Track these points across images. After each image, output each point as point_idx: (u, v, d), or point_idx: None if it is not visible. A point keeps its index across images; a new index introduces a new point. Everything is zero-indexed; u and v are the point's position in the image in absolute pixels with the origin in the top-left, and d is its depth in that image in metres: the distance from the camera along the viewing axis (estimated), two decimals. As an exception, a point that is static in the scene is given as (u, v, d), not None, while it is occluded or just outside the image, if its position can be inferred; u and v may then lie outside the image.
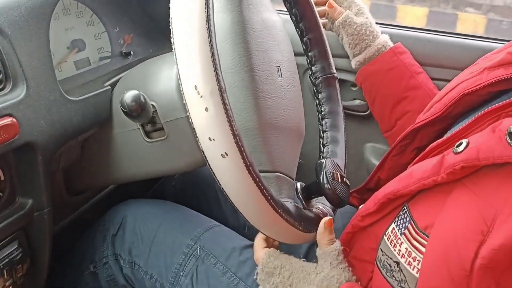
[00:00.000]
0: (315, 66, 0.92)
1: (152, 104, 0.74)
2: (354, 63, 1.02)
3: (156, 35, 0.97)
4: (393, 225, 0.67)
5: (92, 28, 0.88)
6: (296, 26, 0.89)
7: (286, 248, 0.73)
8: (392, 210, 0.69)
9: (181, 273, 0.80)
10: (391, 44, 0.99)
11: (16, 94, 0.63)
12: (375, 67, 0.98)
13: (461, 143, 0.58)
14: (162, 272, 0.82)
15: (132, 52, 0.92)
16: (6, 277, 0.69)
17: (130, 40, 0.94)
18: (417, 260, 0.61)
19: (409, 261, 0.62)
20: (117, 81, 0.83)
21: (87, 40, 0.85)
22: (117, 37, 0.92)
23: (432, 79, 1.02)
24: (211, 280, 0.79)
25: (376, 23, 1.02)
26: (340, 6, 1.00)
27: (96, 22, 0.88)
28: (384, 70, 0.97)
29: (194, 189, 1.07)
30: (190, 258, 0.81)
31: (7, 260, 0.68)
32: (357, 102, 1.17)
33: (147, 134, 0.78)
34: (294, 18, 0.88)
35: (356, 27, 0.94)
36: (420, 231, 0.61)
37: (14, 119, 0.61)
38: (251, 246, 0.84)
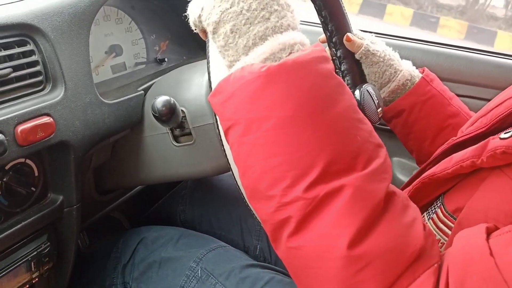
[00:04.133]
0: (347, 78, 0.91)
1: (181, 110, 0.76)
2: (385, 93, 0.95)
3: (190, 43, 0.99)
4: (424, 214, 0.67)
5: (130, 34, 0.91)
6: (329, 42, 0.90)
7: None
8: (426, 203, 0.68)
9: None
10: (415, 70, 0.95)
11: (55, 95, 0.66)
12: (410, 100, 0.92)
13: (509, 131, 0.56)
14: None
15: (166, 59, 0.95)
16: (33, 269, 0.72)
17: (165, 47, 0.97)
18: (441, 243, 0.60)
19: None
20: (150, 86, 0.85)
21: (124, 46, 0.89)
22: (153, 44, 0.95)
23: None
24: None
25: (381, 34, 0.97)
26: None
27: (134, 29, 0.92)
28: (420, 102, 0.92)
29: (205, 205, 1.08)
30: (192, 279, 0.82)
31: (35, 253, 0.71)
32: (385, 115, 1.16)
33: (176, 138, 0.81)
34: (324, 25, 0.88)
35: (380, 54, 0.89)
36: (448, 214, 0.60)
37: (51, 119, 0.64)
38: (255, 265, 0.85)
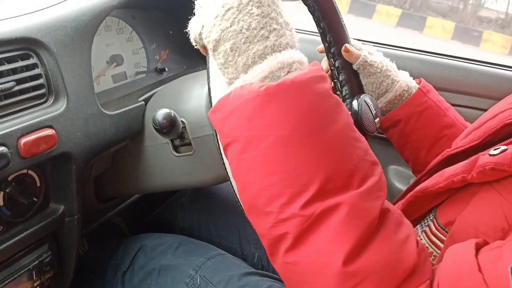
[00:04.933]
0: (344, 88, 0.92)
1: (182, 121, 0.77)
2: (382, 104, 0.96)
3: (190, 53, 1.00)
4: (417, 226, 0.68)
5: (130, 44, 0.92)
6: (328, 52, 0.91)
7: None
8: (419, 216, 0.69)
9: None
10: (412, 81, 0.96)
11: (57, 107, 0.67)
12: (406, 111, 0.94)
13: (499, 148, 0.58)
14: None
15: (166, 69, 0.96)
16: (35, 278, 0.73)
17: (165, 56, 0.98)
18: (433, 256, 0.62)
19: None
20: (151, 96, 0.86)
21: (125, 55, 0.90)
22: (154, 53, 0.96)
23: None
24: None
25: (379, 44, 0.98)
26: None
27: (135, 39, 0.93)
28: (417, 112, 0.93)
29: (204, 213, 1.09)
30: (191, 287, 0.83)
31: (36, 262, 0.72)
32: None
33: (176, 148, 0.82)
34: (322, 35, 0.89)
35: (377, 65, 0.89)
36: (441, 227, 0.62)
37: (53, 131, 0.65)
38: (253, 273, 0.86)
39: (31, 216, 0.70)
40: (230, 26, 0.52)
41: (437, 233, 0.63)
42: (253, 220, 0.53)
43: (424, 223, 0.68)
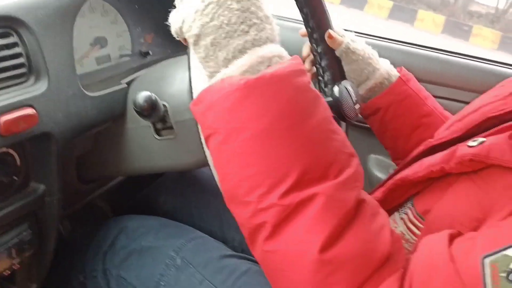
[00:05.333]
0: (326, 74, 0.92)
1: (163, 104, 0.78)
2: (363, 91, 0.97)
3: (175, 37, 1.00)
4: (395, 213, 0.70)
5: (115, 26, 0.92)
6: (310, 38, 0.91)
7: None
8: (398, 204, 0.71)
9: (161, 283, 0.84)
10: (393, 69, 0.97)
11: (38, 87, 0.67)
12: (386, 99, 0.95)
13: (477, 139, 0.60)
14: (144, 283, 0.85)
15: (150, 52, 0.96)
16: (14, 256, 0.73)
17: (150, 39, 0.99)
18: (410, 243, 0.64)
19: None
20: (134, 79, 0.86)
21: (109, 38, 0.90)
22: (139, 36, 0.96)
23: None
24: None
25: (361, 33, 0.99)
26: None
27: (120, 21, 0.93)
28: (396, 101, 0.95)
29: (186, 196, 1.10)
30: (171, 268, 0.85)
31: (16, 240, 0.72)
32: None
33: (158, 131, 0.82)
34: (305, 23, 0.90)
35: (359, 52, 0.90)
36: (418, 215, 0.64)
37: (34, 110, 0.65)
38: (233, 256, 0.87)
39: (11, 194, 0.71)
40: (210, 21, 0.52)
41: (415, 220, 0.65)
42: (233, 209, 0.54)
43: (402, 210, 0.70)
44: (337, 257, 0.47)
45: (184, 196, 1.09)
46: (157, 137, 0.82)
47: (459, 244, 0.47)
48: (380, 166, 1.21)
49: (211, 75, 0.54)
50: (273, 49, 0.53)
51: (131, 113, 0.84)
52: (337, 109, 0.81)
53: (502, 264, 0.42)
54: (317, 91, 0.54)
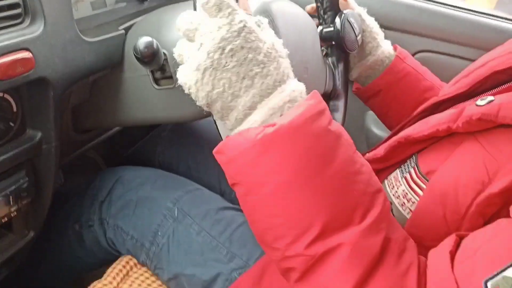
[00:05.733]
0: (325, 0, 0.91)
1: (163, 52, 0.76)
2: (363, 68, 0.96)
3: (174, -17, 0.97)
4: (397, 171, 0.70)
5: (110, -31, 0.88)
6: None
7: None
8: (400, 160, 0.70)
9: (159, 233, 0.85)
10: (393, 50, 0.96)
11: (34, 30, 0.64)
12: (386, 79, 0.95)
13: (485, 98, 0.59)
14: (142, 233, 0.86)
15: (148, -2, 0.93)
16: (12, 203, 0.72)
17: (147, -15, 0.95)
18: (412, 202, 0.64)
19: (403, 202, 0.65)
20: (132, 25, 0.84)
21: (105, -19, 0.86)
22: (135, -19, 0.92)
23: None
24: (186, 239, 0.83)
25: None
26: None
27: (115, -36, 0.89)
28: (396, 80, 0.94)
29: (184, 147, 1.09)
30: (168, 219, 0.85)
31: (14, 187, 0.71)
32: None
33: (156, 81, 0.80)
34: None
35: (368, 23, 0.90)
36: (422, 175, 0.64)
37: (30, 54, 0.63)
38: (230, 208, 0.88)
39: (8, 141, 0.69)
40: (213, 90, 0.52)
41: (418, 180, 0.65)
42: (264, 249, 0.56)
43: (405, 169, 0.69)
44: None
45: (181, 147, 1.08)
46: (155, 86, 0.80)
47: (460, 266, 0.48)
48: (378, 123, 1.21)
49: (232, 128, 0.56)
50: (284, 94, 0.52)
51: (129, 61, 0.82)
52: (339, 41, 0.80)
53: (503, 287, 0.42)
54: (338, 130, 0.53)
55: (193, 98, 0.55)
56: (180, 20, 0.56)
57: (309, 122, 0.50)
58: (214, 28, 0.51)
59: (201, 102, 0.54)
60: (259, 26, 0.55)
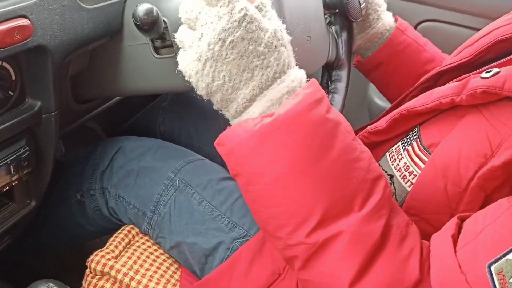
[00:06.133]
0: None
1: (163, 20, 0.74)
2: (363, 40, 0.96)
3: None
4: (399, 143, 0.70)
5: None
6: None
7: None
8: (402, 133, 0.70)
9: (161, 203, 0.85)
10: (394, 23, 0.95)
11: (31, -5, 0.63)
12: (387, 52, 0.94)
13: (491, 70, 0.58)
14: (143, 202, 0.87)
15: (147, -36, 0.91)
16: (12, 172, 0.72)
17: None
18: (413, 175, 0.65)
19: (405, 175, 0.65)
20: (130, -8, 0.82)
21: None
22: None
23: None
24: (188, 208, 0.84)
25: None
26: None
27: None
28: (397, 52, 0.94)
29: (185, 117, 1.09)
30: (170, 189, 0.85)
31: (14, 156, 0.71)
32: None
33: (156, 50, 0.79)
34: None
35: None
36: (424, 148, 0.64)
37: (28, 21, 0.62)
38: (231, 178, 0.88)
39: (7, 110, 0.69)
40: (213, 82, 0.52)
41: (420, 153, 0.65)
42: (268, 238, 0.57)
43: (407, 141, 0.69)
44: None
45: (182, 117, 1.08)
46: (155, 55, 0.79)
47: (463, 249, 0.48)
48: (381, 94, 1.20)
49: (232, 118, 0.56)
50: (282, 85, 0.52)
51: (128, 29, 0.81)
52: (342, 8, 0.80)
53: (507, 270, 0.42)
54: (336, 118, 0.52)
55: (193, 86, 0.56)
56: (181, 8, 0.56)
57: (306, 111, 0.50)
58: (215, 18, 0.51)
59: (201, 92, 0.55)
60: (261, 10, 0.54)
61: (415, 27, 1.17)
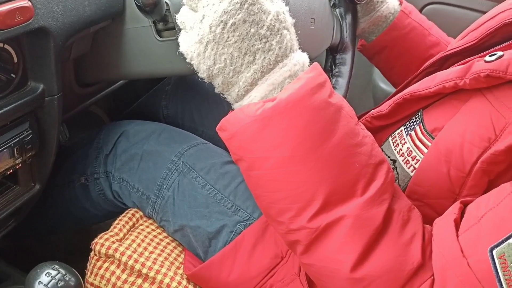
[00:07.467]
0: None
1: (165, 2, 0.74)
2: (367, 23, 0.94)
3: None
4: (402, 127, 0.70)
5: None
6: None
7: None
8: (405, 117, 0.70)
9: (164, 186, 0.85)
10: (399, 6, 0.93)
11: (32, -24, 0.62)
12: (391, 35, 0.93)
13: (494, 54, 0.58)
14: (147, 186, 0.87)
15: None
16: (16, 155, 0.73)
17: None
18: (416, 160, 0.64)
19: (407, 160, 0.65)
20: (133, -26, 0.81)
21: None
22: None
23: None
24: (191, 192, 0.84)
25: None
26: None
27: None
28: (401, 36, 0.92)
29: (189, 101, 1.09)
30: (173, 172, 0.85)
31: (18, 139, 0.71)
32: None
33: (159, 32, 0.79)
34: None
35: None
36: (427, 133, 0.64)
37: (29, 2, 0.61)
38: (233, 162, 0.88)
39: (10, 93, 0.68)
40: (214, 64, 0.52)
41: (423, 138, 0.64)
42: (271, 223, 0.57)
43: (410, 126, 0.68)
44: (368, 274, 0.49)
45: (185, 101, 1.08)
46: (158, 38, 0.79)
47: (466, 234, 0.48)
48: (385, 78, 1.19)
49: (234, 102, 0.56)
50: (284, 69, 0.52)
51: (130, 11, 0.80)
52: None
53: (509, 254, 0.42)
54: (339, 103, 0.52)
55: (195, 67, 0.56)
56: None
57: (308, 95, 0.50)
58: (216, 0, 0.50)
59: (202, 74, 0.54)
60: None
61: (421, 10, 1.16)
